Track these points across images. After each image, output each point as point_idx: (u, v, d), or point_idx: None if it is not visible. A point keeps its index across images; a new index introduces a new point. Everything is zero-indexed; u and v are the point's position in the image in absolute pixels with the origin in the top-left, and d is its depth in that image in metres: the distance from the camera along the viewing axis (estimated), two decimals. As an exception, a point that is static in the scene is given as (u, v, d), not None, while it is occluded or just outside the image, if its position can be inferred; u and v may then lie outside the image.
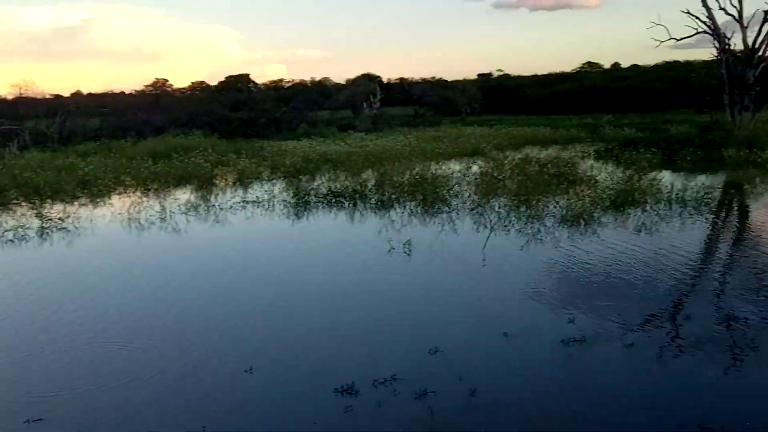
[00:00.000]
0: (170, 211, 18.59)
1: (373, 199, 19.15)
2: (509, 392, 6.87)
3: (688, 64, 75.50)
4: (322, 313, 9.71)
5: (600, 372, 7.30)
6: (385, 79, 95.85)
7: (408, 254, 12.89)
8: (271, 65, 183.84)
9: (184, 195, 21.73)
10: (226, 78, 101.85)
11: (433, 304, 9.94)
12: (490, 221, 15.47)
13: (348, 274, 12.10)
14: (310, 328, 9.05)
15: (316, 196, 19.82)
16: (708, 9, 31.58)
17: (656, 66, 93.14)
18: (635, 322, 8.69)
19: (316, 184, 22.19)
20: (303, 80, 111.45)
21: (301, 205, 18.98)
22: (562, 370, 7.37)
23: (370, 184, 21.01)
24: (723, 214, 17.00)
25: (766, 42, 30.93)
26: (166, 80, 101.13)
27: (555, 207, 16.63)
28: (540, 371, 7.36)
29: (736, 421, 6.06)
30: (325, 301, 10.28)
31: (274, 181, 24.40)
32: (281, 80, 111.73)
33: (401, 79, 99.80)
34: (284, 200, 19.81)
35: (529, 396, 6.78)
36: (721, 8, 31.71)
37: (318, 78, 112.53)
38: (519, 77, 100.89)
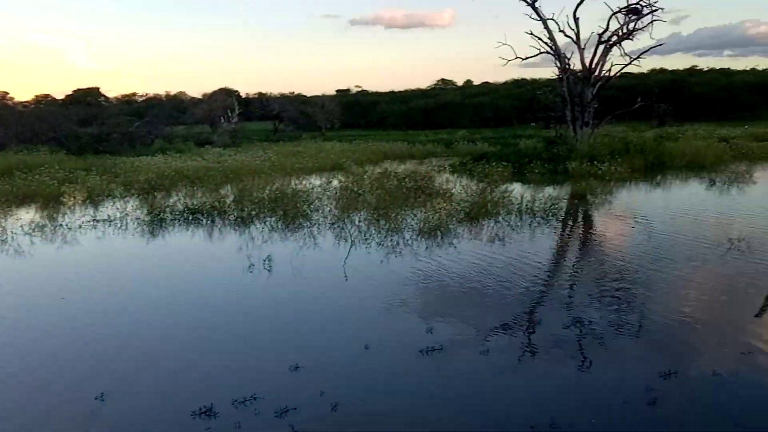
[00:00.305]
0: (12, 231, 17.39)
1: (232, 216, 18.81)
2: (371, 404, 6.92)
3: (534, 82, 79.79)
4: (178, 333, 9.39)
5: (457, 379, 7.50)
6: (243, 94, 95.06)
7: (269, 270, 12.74)
8: (123, 78, 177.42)
9: (27, 215, 20.40)
10: (74, 91, 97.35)
11: (294, 320, 9.86)
12: (351, 235, 15.58)
13: (206, 292, 11.77)
14: (165, 350, 8.72)
15: (172, 213, 19.21)
16: (549, 31, 33.53)
17: (506, 83, 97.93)
18: (491, 329, 9.01)
19: (172, 200, 21.51)
20: (158, 94, 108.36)
21: (156, 222, 18.32)
22: (422, 378, 7.50)
23: (228, 200, 20.64)
24: (569, 223, 18.01)
25: (601, 62, 33.20)
26: (6, 93, 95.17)
27: (413, 220, 17.01)
28: (400, 381, 7.46)
29: (583, 418, 6.41)
30: (182, 321, 9.96)
31: (127, 198, 23.42)
32: (134, 94, 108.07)
33: (260, 93, 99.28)
34: (138, 218, 19.05)
35: (390, 406, 6.86)
36: (560, 30, 33.81)
37: (173, 92, 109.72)
38: (376, 93, 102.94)
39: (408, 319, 9.66)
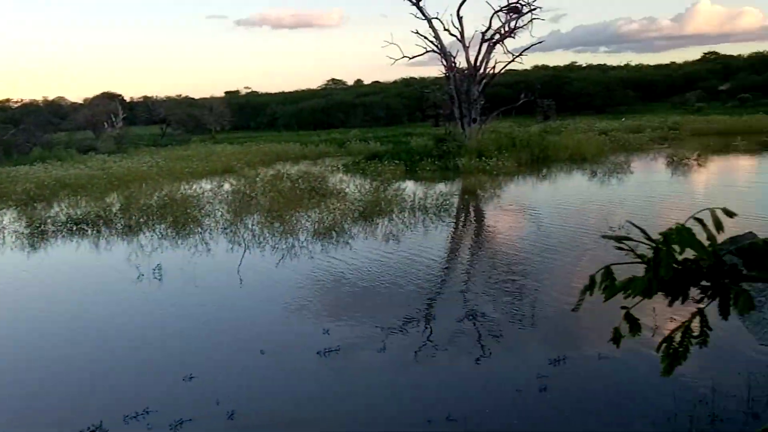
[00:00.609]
0: None
1: (119, 224, 18.11)
2: (268, 409, 6.82)
3: (423, 80, 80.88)
4: (64, 350, 8.96)
5: (355, 378, 7.52)
6: (127, 98, 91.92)
7: (159, 279, 12.35)
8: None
9: None
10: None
11: (188, 329, 9.61)
12: (245, 239, 15.33)
13: (93, 305, 11.28)
14: (51, 368, 8.30)
15: (54, 225, 18.31)
16: (434, 30, 34.08)
17: (395, 82, 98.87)
18: (388, 327, 9.06)
19: (53, 211, 20.51)
20: (34, 100, 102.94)
21: (37, 235, 17.42)
22: (320, 380, 7.47)
23: (115, 208, 19.87)
24: (461, 218, 18.38)
25: (485, 60, 34.06)
26: None
27: (308, 221, 16.91)
28: (298, 384, 7.39)
29: (477, 409, 6.54)
30: (68, 337, 9.51)
31: (3, 210, 22.16)
32: (8, 100, 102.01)
33: (145, 97, 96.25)
34: (17, 231, 18.06)
35: (288, 410, 6.78)
36: (445, 29, 34.40)
37: (51, 97, 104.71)
38: (267, 94, 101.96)
39: (305, 321, 9.59)
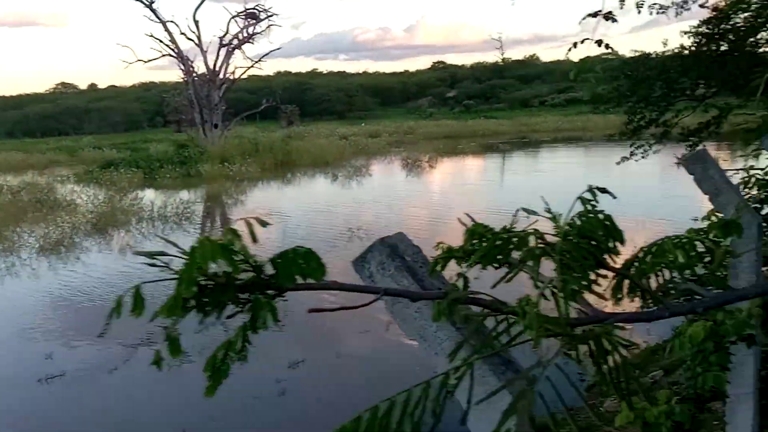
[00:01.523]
0: None
1: None
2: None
3: (164, 85, 78.03)
4: None
5: (78, 403, 6.91)
6: None
7: None
8: None
9: None
10: None
11: None
12: (-48, 261, 13.58)
13: None
14: None
15: None
16: (170, 33, 33.02)
17: (133, 86, 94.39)
18: (123, 346, 8.46)
19: None
20: None
21: None
22: (37, 411, 6.75)
23: None
24: (204, 225, 17.87)
25: (225, 65, 33.73)
26: None
27: (32, 237, 15.43)
28: (12, 417, 6.61)
29: (217, 422, 6.29)
30: None
31: None
32: None
33: None
34: None
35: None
36: (182, 33, 33.52)
37: None
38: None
39: (26, 347, 8.67)
